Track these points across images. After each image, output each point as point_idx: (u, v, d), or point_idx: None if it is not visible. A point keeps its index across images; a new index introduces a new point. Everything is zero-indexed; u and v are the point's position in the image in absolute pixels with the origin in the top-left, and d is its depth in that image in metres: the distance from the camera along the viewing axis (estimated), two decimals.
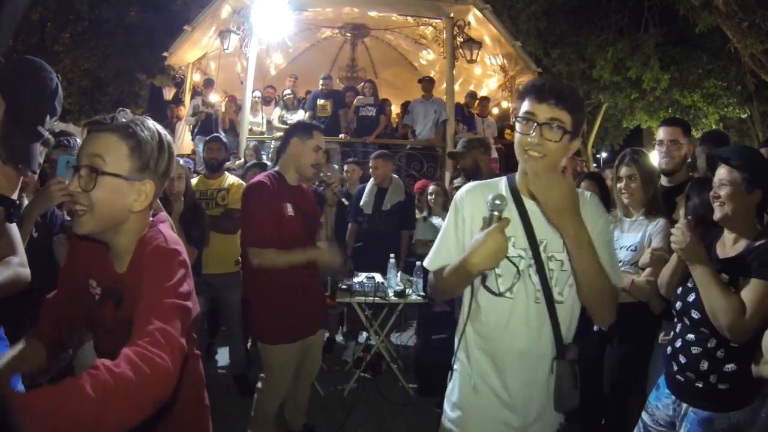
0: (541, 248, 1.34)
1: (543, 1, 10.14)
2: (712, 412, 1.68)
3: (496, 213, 1.24)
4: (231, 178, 3.84)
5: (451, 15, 6.87)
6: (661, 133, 2.61)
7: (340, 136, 6.62)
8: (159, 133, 1.15)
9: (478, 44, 7.00)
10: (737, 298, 1.58)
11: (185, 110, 7.91)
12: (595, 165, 14.94)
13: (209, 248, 3.39)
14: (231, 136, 6.66)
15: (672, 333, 1.87)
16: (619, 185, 2.41)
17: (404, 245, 4.34)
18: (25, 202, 1.84)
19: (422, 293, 3.57)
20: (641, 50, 9.56)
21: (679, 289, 1.84)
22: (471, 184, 1.49)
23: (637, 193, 2.35)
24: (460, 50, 6.96)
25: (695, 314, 1.72)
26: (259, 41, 6.91)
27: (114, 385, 0.78)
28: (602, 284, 1.27)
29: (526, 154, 1.28)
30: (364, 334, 4.13)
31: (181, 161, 3.54)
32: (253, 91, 7.03)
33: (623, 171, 2.39)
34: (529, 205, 1.36)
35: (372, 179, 4.40)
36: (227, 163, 4.71)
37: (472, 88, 8.37)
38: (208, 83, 7.86)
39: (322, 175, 2.56)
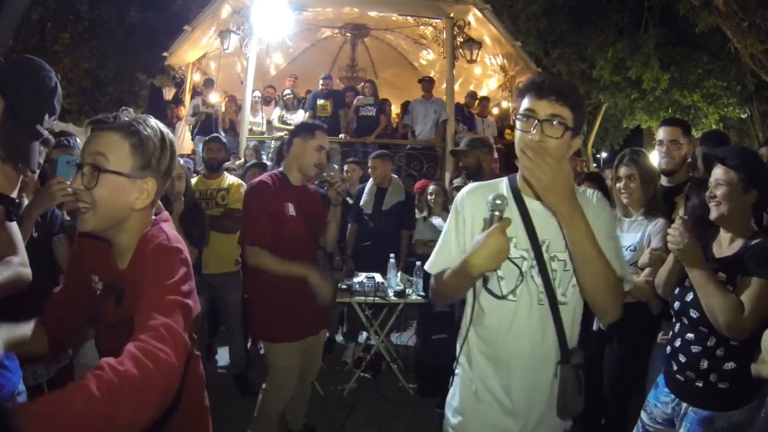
0: (544, 248, 1.32)
1: (543, 1, 10.15)
2: (712, 411, 1.68)
3: (496, 213, 1.22)
4: (230, 178, 3.84)
5: (451, 15, 6.87)
6: (661, 133, 2.61)
7: (340, 136, 6.62)
8: (161, 132, 1.16)
9: (478, 44, 7.00)
10: (735, 297, 1.60)
11: (185, 110, 7.91)
12: (595, 165, 14.94)
13: (209, 248, 3.39)
14: (231, 136, 6.66)
15: (671, 333, 1.87)
16: (618, 185, 2.41)
17: (404, 245, 4.34)
18: (25, 202, 1.83)
19: (422, 293, 3.57)
20: (641, 50, 9.57)
21: (677, 289, 1.85)
22: (471, 185, 1.47)
23: (636, 193, 2.35)
24: (460, 50, 6.96)
25: (694, 313, 1.73)
26: (259, 41, 6.91)
27: (119, 384, 0.78)
28: (603, 273, 1.21)
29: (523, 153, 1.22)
30: (364, 334, 4.13)
31: (181, 161, 3.54)
32: (253, 91, 7.03)
33: (622, 171, 2.39)
34: (531, 204, 1.34)
35: (371, 179, 4.41)
36: (227, 163, 4.71)
37: (472, 88, 8.37)
38: (208, 83, 7.86)
39: (325, 174, 2.56)
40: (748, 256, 1.65)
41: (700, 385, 1.70)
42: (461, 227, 1.39)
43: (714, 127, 10.36)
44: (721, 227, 1.80)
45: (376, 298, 3.49)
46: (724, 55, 9.30)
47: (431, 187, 4.48)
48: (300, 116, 7.03)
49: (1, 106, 1.01)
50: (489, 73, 8.54)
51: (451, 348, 1.52)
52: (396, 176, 4.58)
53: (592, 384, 2.38)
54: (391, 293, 3.57)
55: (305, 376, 2.72)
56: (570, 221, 1.18)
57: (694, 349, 1.74)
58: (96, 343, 1.32)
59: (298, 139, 2.49)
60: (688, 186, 2.24)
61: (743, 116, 11.04)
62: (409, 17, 7.33)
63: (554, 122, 1.23)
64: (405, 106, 7.36)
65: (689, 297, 1.76)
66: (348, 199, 2.69)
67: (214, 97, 7.67)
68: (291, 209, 2.43)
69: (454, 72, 7.10)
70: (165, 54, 8.07)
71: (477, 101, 7.64)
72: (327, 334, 4.20)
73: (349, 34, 8.44)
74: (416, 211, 4.59)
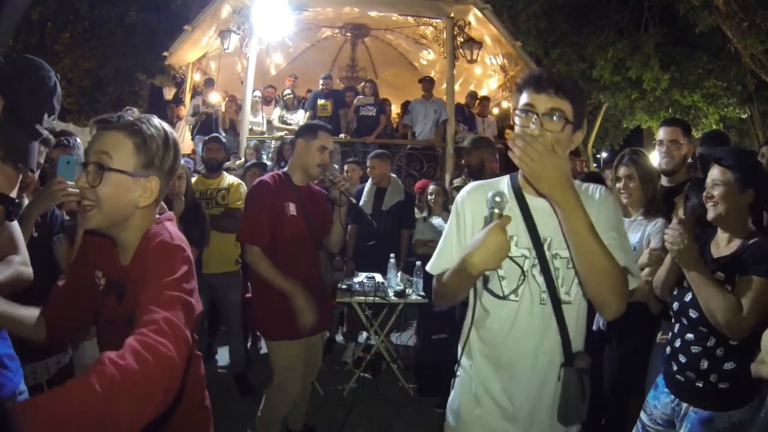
0: (545, 246, 1.28)
1: (543, 1, 10.15)
2: (713, 411, 1.68)
3: (496, 211, 1.19)
4: (230, 178, 3.84)
5: (452, 15, 6.87)
6: (661, 134, 2.61)
7: (340, 135, 6.62)
8: (165, 131, 1.18)
9: (479, 44, 7.00)
10: (733, 297, 1.60)
11: (185, 110, 7.92)
12: (595, 165, 14.94)
13: (209, 248, 3.39)
14: (231, 136, 6.66)
15: (670, 333, 1.87)
16: (617, 185, 2.41)
17: (404, 245, 4.34)
18: (25, 202, 1.83)
19: (422, 293, 3.57)
20: (641, 50, 9.57)
21: (676, 290, 1.85)
22: (472, 184, 1.44)
23: (635, 193, 2.35)
24: (461, 50, 6.96)
25: (693, 314, 1.73)
26: (259, 41, 6.91)
27: (120, 379, 0.77)
28: (603, 262, 1.15)
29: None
30: (364, 334, 4.13)
31: (182, 161, 3.54)
32: (254, 91, 7.03)
33: (622, 171, 2.40)
34: (532, 202, 1.31)
35: (370, 179, 4.41)
36: (227, 163, 4.71)
37: (472, 88, 8.36)
38: (209, 83, 7.86)
39: (328, 174, 2.56)
40: (746, 256, 1.66)
41: (701, 385, 1.70)
42: (462, 227, 1.37)
43: (714, 127, 10.36)
44: (718, 227, 1.80)
45: (376, 298, 3.48)
46: (724, 55, 9.30)
47: (431, 187, 4.48)
48: (300, 116, 7.03)
49: (1, 105, 1.01)
50: (489, 73, 8.54)
51: (451, 348, 1.50)
52: (395, 176, 4.58)
53: (592, 384, 2.38)
54: (391, 293, 3.57)
55: (305, 376, 2.72)
56: (566, 208, 1.14)
57: (694, 349, 1.74)
58: (97, 338, 1.33)
59: (301, 139, 2.52)
60: (687, 186, 2.24)
61: (743, 116, 11.05)
62: (409, 17, 7.33)
63: (554, 116, 1.20)
64: (405, 106, 7.36)
65: (688, 297, 1.76)
66: (352, 199, 2.68)
67: (215, 97, 7.67)
68: (292, 209, 2.45)
69: (454, 72, 7.09)
70: (165, 54, 8.07)
71: (477, 101, 7.64)
72: (327, 334, 4.21)
73: (349, 34, 8.44)
74: (416, 211, 4.59)
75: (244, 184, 3.83)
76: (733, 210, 1.71)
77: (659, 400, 1.87)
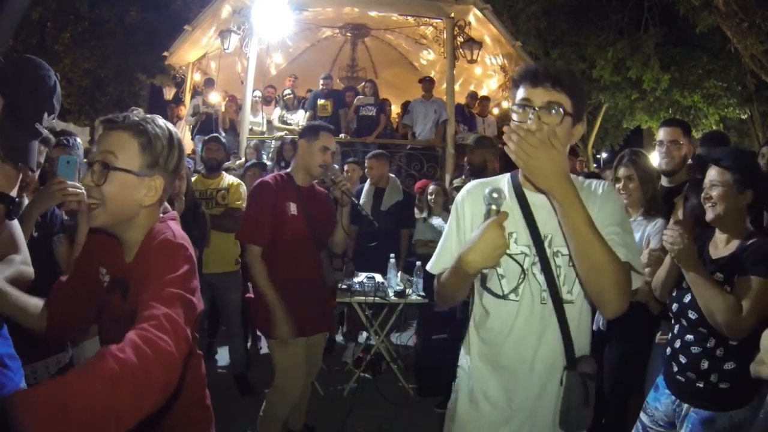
0: (546, 243, 1.24)
1: (543, 1, 10.15)
2: (714, 411, 1.68)
3: (493, 207, 1.16)
4: (229, 178, 3.84)
5: (452, 15, 6.87)
6: (661, 134, 2.61)
7: (340, 136, 6.62)
8: (170, 131, 1.20)
9: (479, 44, 7.00)
10: (732, 297, 1.60)
11: (185, 110, 7.91)
12: (595, 165, 14.94)
13: (210, 248, 3.40)
14: (231, 136, 6.67)
15: (670, 334, 1.87)
16: (617, 186, 2.41)
17: (404, 245, 4.34)
18: (25, 202, 1.83)
19: (422, 293, 3.57)
20: (641, 50, 9.57)
21: (675, 291, 1.85)
22: (472, 183, 1.41)
23: (635, 194, 2.35)
24: (461, 50, 6.96)
25: (692, 315, 1.74)
26: (259, 41, 6.91)
27: (120, 372, 0.78)
28: (603, 259, 1.10)
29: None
30: (364, 334, 4.13)
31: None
32: (254, 91, 7.03)
33: (621, 172, 2.40)
34: (533, 198, 1.27)
35: (368, 180, 4.41)
36: (227, 163, 4.71)
37: (472, 88, 8.37)
38: (209, 83, 7.87)
39: (329, 174, 2.57)
40: (745, 256, 1.66)
41: (701, 385, 1.71)
42: (462, 226, 1.35)
43: (714, 127, 10.36)
44: (716, 228, 1.80)
45: (376, 298, 3.49)
46: (725, 56, 9.30)
47: (431, 187, 4.48)
48: (300, 116, 7.03)
49: (1, 104, 1.01)
50: (489, 73, 8.54)
51: (451, 348, 1.49)
52: (393, 176, 4.58)
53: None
54: (391, 293, 3.57)
55: (306, 376, 2.72)
56: (563, 202, 1.10)
57: (694, 350, 1.74)
58: (99, 335, 1.34)
59: (303, 140, 2.55)
60: (687, 186, 2.24)
61: (743, 117, 11.05)
62: (409, 17, 7.33)
63: (552, 110, 1.16)
64: (405, 106, 7.36)
65: (687, 298, 1.76)
66: (354, 199, 2.69)
67: (215, 97, 7.67)
68: (293, 209, 2.47)
69: (454, 72, 7.10)
70: (165, 54, 8.07)
71: (477, 101, 7.64)
72: (328, 334, 4.21)
73: (349, 34, 8.44)
74: (416, 211, 4.59)
75: (243, 184, 3.84)
76: (732, 211, 1.71)
77: (660, 401, 1.86)
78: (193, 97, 7.94)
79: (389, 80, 9.34)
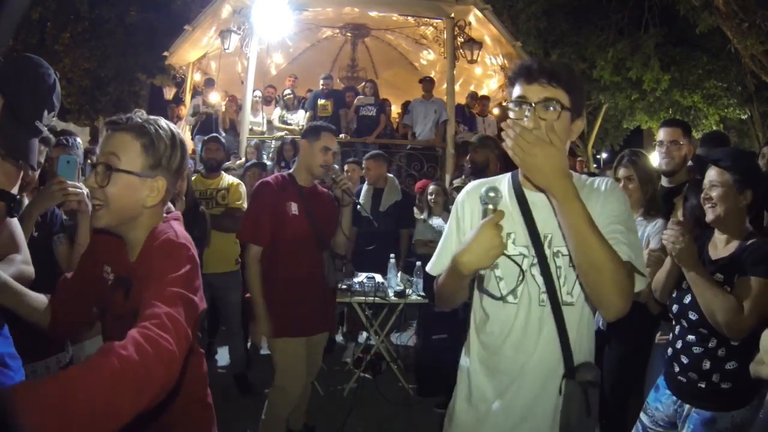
0: (545, 243, 1.21)
1: (543, 1, 10.16)
2: (715, 411, 1.68)
3: (490, 206, 1.14)
4: (229, 178, 3.85)
5: (452, 15, 6.87)
6: (661, 134, 2.61)
7: (340, 136, 6.62)
8: (172, 133, 1.21)
9: (479, 44, 7.00)
10: (733, 298, 1.60)
11: (185, 110, 7.91)
12: (595, 166, 14.96)
13: (210, 248, 3.40)
14: (231, 136, 6.67)
15: (671, 335, 1.87)
16: None
17: (404, 245, 4.34)
18: (26, 201, 1.83)
19: (422, 293, 3.57)
20: (641, 50, 9.58)
21: (675, 292, 1.85)
22: (473, 183, 1.39)
23: (635, 194, 2.35)
24: (461, 50, 6.96)
25: (693, 315, 1.74)
26: (259, 41, 6.91)
27: (121, 368, 0.79)
28: (603, 258, 1.06)
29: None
30: (364, 334, 4.13)
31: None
32: (254, 91, 7.03)
33: (621, 172, 2.40)
34: (532, 197, 1.24)
35: (366, 180, 4.41)
36: (227, 163, 4.71)
37: (472, 88, 8.37)
38: (209, 83, 7.87)
39: (330, 174, 2.57)
40: (745, 257, 1.66)
41: (703, 385, 1.71)
42: (462, 226, 1.33)
43: (714, 128, 10.37)
44: (716, 229, 1.80)
45: (376, 298, 3.48)
46: (725, 56, 9.31)
47: (431, 187, 4.48)
48: (300, 116, 7.03)
49: (1, 104, 1.01)
50: (489, 74, 8.54)
51: (450, 348, 1.48)
52: (391, 176, 4.58)
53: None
54: (391, 293, 3.57)
55: (306, 375, 2.72)
56: (561, 199, 1.07)
57: (696, 350, 1.74)
58: (103, 334, 1.35)
59: (304, 140, 2.57)
60: (686, 187, 2.24)
61: (743, 117, 11.05)
62: (409, 17, 7.33)
63: (549, 107, 1.13)
64: (405, 106, 7.36)
65: (687, 299, 1.76)
66: (355, 198, 2.70)
67: (215, 97, 7.68)
68: (294, 209, 2.48)
69: (454, 72, 7.09)
70: (165, 54, 8.07)
71: (477, 101, 7.64)
72: (327, 334, 4.21)
73: (349, 34, 8.44)
74: (416, 211, 4.59)
75: (243, 184, 3.84)
76: (731, 211, 1.71)
77: (661, 402, 1.86)
78: (193, 97, 7.94)
79: (389, 80, 9.34)
